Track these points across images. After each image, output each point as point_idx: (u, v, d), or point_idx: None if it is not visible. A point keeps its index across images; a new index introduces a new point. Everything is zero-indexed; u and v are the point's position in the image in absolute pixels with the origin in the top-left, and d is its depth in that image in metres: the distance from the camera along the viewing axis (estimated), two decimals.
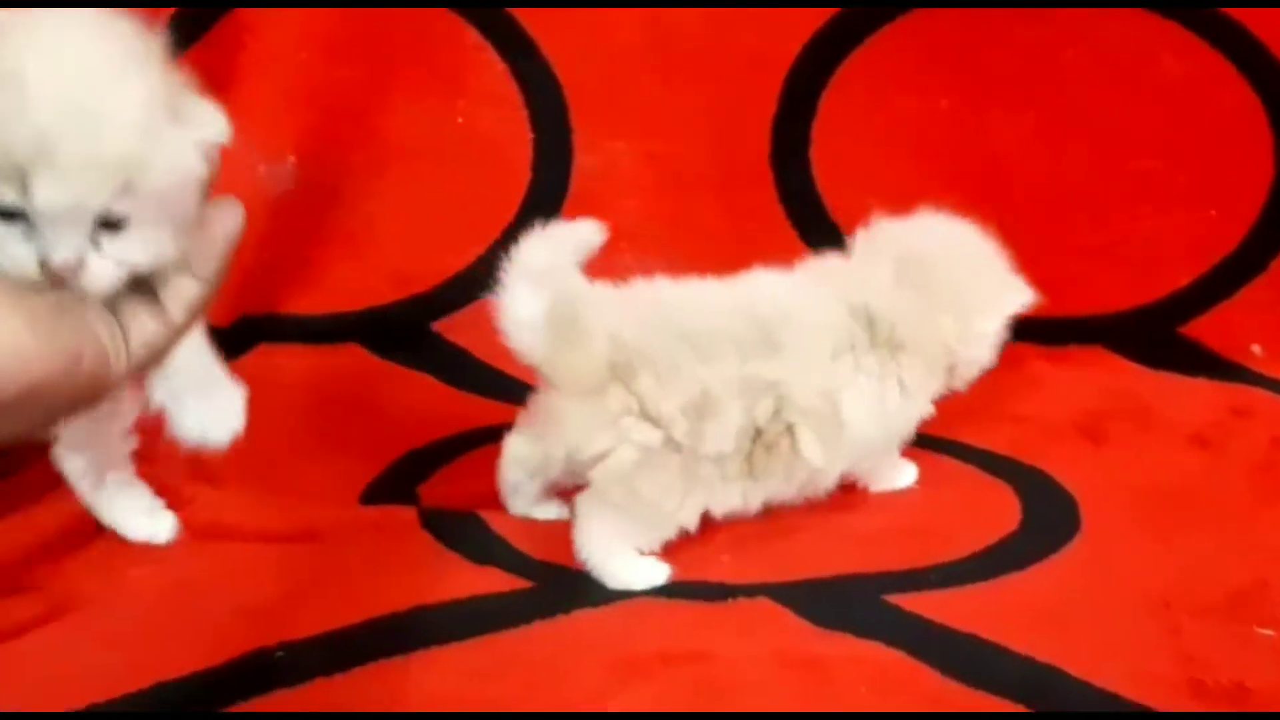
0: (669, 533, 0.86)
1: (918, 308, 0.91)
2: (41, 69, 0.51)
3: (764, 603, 0.82)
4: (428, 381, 1.18)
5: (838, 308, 0.89)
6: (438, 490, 0.98)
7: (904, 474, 0.99)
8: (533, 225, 0.85)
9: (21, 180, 0.51)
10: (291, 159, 1.18)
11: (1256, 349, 1.18)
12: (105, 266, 0.53)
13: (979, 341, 0.94)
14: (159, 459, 0.92)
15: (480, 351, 1.20)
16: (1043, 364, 1.19)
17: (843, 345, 0.89)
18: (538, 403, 0.86)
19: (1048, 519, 0.94)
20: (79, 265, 0.52)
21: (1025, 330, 1.21)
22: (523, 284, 0.82)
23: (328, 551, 0.89)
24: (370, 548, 0.89)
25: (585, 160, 1.22)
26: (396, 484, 0.99)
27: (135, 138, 0.53)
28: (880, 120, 1.20)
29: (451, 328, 1.23)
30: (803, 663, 0.76)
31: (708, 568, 0.87)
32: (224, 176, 1.15)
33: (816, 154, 1.20)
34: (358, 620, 0.79)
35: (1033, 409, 1.12)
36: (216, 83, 1.14)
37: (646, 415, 0.81)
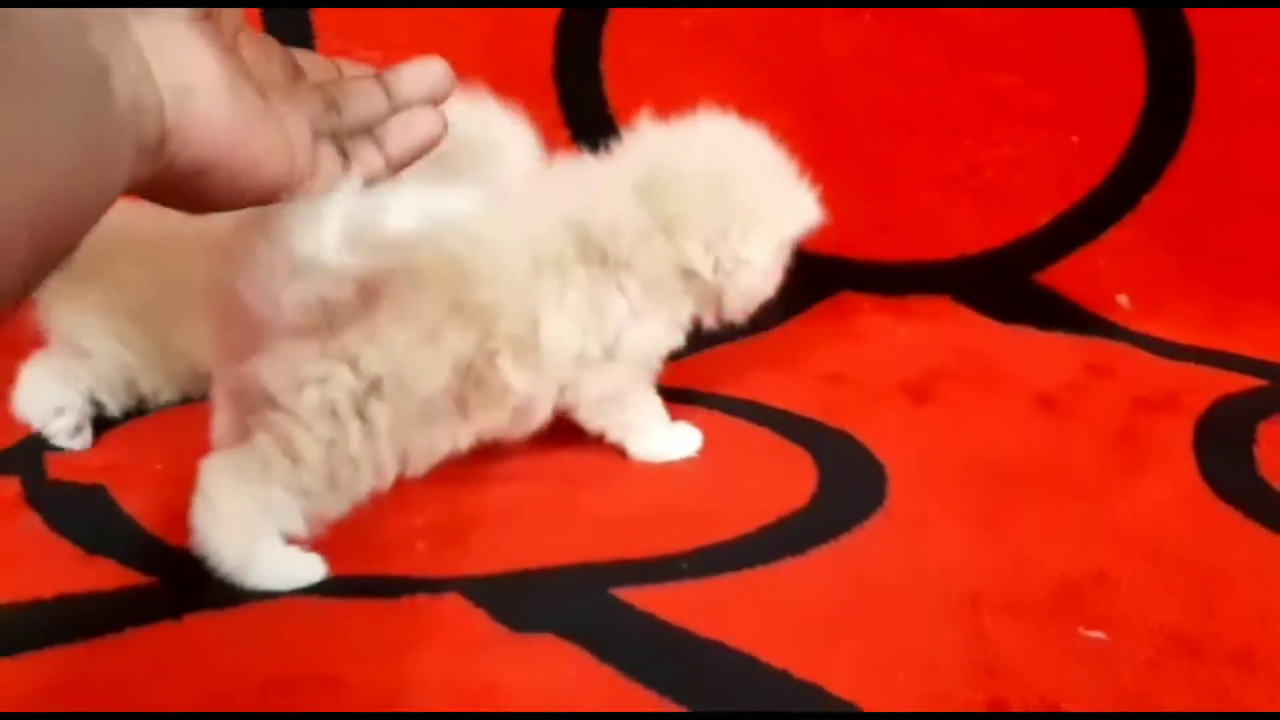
0: (345, 502, 0.67)
1: (638, 227, 0.75)
2: None
3: (451, 599, 0.62)
4: None
5: (541, 220, 0.73)
6: (76, 462, 0.77)
7: (678, 441, 0.80)
8: None
9: None
10: None
11: (1122, 300, 1.01)
12: None
13: (743, 270, 0.77)
14: None
15: None
16: (875, 317, 1.02)
17: (544, 260, 0.72)
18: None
19: (845, 494, 0.75)
20: None
21: (857, 276, 1.04)
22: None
23: None
24: None
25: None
26: (30, 455, 0.78)
27: None
28: (688, 25, 1.00)
29: None
30: (466, 688, 0.56)
31: (396, 558, 0.67)
32: None
33: (607, 64, 1.01)
34: None
35: (855, 367, 0.94)
36: None
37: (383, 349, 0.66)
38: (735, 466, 0.79)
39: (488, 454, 0.77)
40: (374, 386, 0.66)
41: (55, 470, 0.76)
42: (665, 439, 0.80)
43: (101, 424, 0.83)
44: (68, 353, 0.83)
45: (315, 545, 0.67)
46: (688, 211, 0.75)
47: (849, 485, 0.76)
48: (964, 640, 0.60)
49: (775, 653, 0.59)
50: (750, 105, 1.00)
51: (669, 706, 0.55)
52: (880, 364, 0.94)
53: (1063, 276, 1.02)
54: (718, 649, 0.59)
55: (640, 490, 0.76)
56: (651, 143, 0.78)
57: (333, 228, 0.59)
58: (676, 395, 0.85)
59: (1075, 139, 1.01)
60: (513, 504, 0.73)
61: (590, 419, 0.78)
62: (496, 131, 0.76)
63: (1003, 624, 0.62)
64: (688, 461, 0.80)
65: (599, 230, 0.74)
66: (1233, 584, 0.66)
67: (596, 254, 0.74)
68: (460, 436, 0.72)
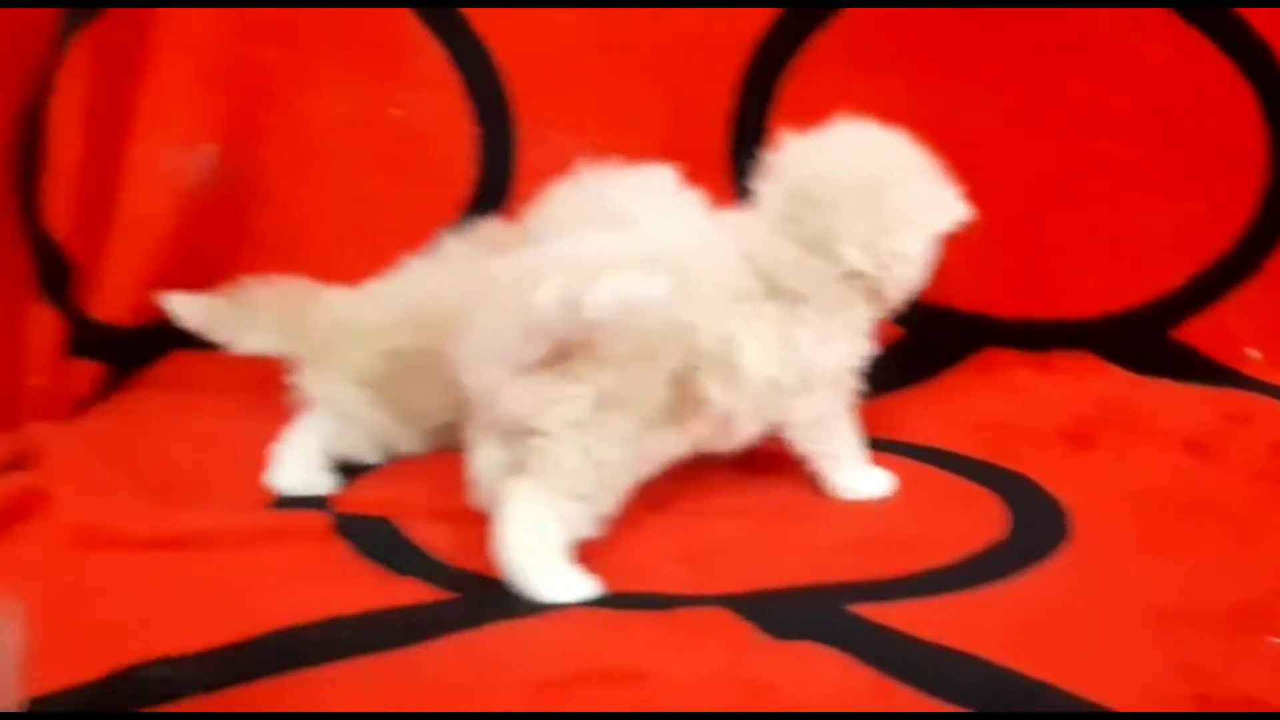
0: (611, 503, 0.78)
1: (794, 256, 0.84)
2: None
3: (715, 612, 0.72)
4: None
5: (732, 256, 0.84)
6: (354, 498, 0.88)
7: (874, 479, 0.90)
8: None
9: None
10: (210, 148, 1.09)
11: (1253, 353, 1.10)
12: None
13: (900, 263, 0.86)
14: None
15: None
16: (1024, 371, 1.11)
17: (739, 292, 0.83)
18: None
19: (1036, 527, 0.85)
20: None
21: (1003, 334, 1.14)
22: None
23: (224, 560, 0.79)
24: (275, 556, 0.79)
25: (530, 156, 1.13)
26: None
27: None
28: (843, 107, 1.11)
29: None
30: (750, 685, 0.66)
31: (655, 578, 0.78)
32: (135, 165, 1.09)
33: None
34: (255, 633, 0.69)
35: (1013, 416, 1.04)
36: (125, 60, 1.07)
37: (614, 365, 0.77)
38: (928, 503, 0.89)
39: (708, 493, 0.88)
40: (603, 399, 0.76)
41: (340, 506, 0.87)
42: (864, 475, 0.90)
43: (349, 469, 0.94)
44: (325, 417, 0.94)
45: (586, 564, 0.78)
46: (840, 220, 0.83)
47: (1038, 520, 0.85)
48: (1164, 647, 0.70)
49: (1005, 657, 0.68)
50: None
51: (932, 703, 0.64)
52: (1034, 412, 1.03)
53: (1196, 332, 1.10)
54: (953, 653, 0.68)
55: (847, 523, 0.86)
56: (796, 158, 0.87)
57: (551, 292, 0.70)
58: None
59: (1200, 206, 1.11)
60: (742, 534, 0.84)
61: (797, 442, 0.88)
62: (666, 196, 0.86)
63: (1195, 634, 0.71)
64: (883, 499, 0.90)
65: (768, 266, 0.83)
66: None
67: (776, 290, 0.83)
68: (679, 444, 0.81)
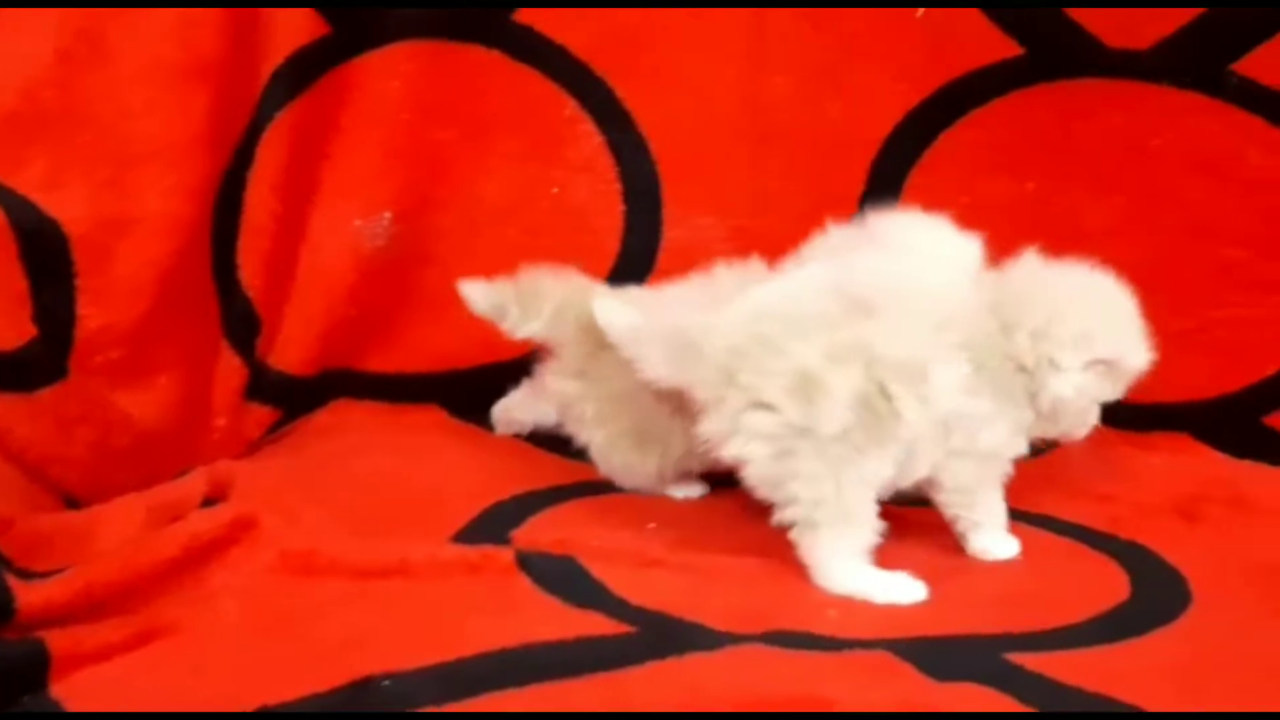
0: (865, 531, 0.89)
1: (988, 330, 0.93)
2: None
3: (882, 655, 0.80)
4: (508, 441, 1.18)
5: (956, 300, 0.93)
6: (531, 536, 0.96)
7: (1007, 545, 0.97)
8: None
9: None
10: (388, 215, 1.20)
11: None
12: None
13: (1057, 375, 0.93)
14: None
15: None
16: (1129, 449, 1.18)
17: (945, 324, 0.90)
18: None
19: (1158, 591, 0.92)
20: None
21: (1109, 415, 1.21)
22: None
23: (422, 589, 0.87)
24: (466, 586, 0.87)
25: (674, 234, 1.23)
26: (486, 531, 0.97)
27: None
28: (966, 201, 1.20)
29: None
30: (930, 711, 0.73)
31: (814, 621, 0.85)
32: (320, 228, 1.20)
33: None
34: (466, 654, 0.77)
35: (1123, 490, 1.11)
36: (318, 136, 1.18)
37: (759, 405, 0.86)
38: (1057, 567, 0.96)
39: None
40: (778, 448, 0.87)
41: (519, 542, 0.94)
42: (1000, 542, 0.97)
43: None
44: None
45: (747, 605, 0.85)
46: (1023, 310, 0.93)
47: (1159, 585, 0.92)
48: None
49: (1154, 704, 0.75)
50: None
51: None
52: (1144, 488, 1.10)
53: None
54: (1106, 700, 0.75)
55: (986, 581, 0.93)
56: (1024, 267, 0.98)
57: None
58: None
59: None
60: None
61: (944, 505, 0.96)
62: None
63: None
64: (1016, 561, 0.97)
65: (967, 327, 0.92)
66: None
67: (969, 353, 0.92)
68: (884, 470, 0.89)
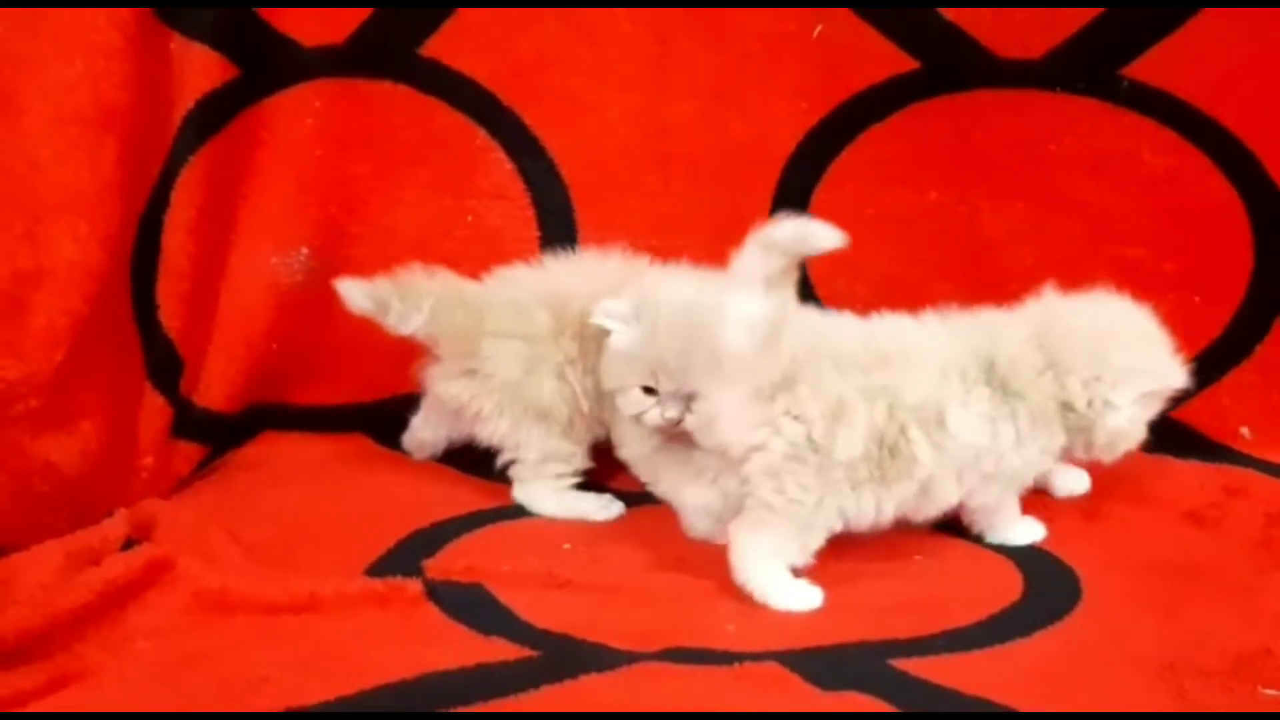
0: (815, 538, 0.95)
1: (1034, 364, 0.99)
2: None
3: (771, 666, 0.83)
4: (432, 467, 1.20)
5: (953, 342, 0.99)
6: (443, 565, 0.98)
7: (1027, 530, 1.04)
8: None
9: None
10: (305, 250, 1.22)
11: (1245, 432, 1.20)
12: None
13: (1110, 412, 0.99)
14: None
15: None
16: None
17: (951, 369, 0.97)
18: (699, 414, 0.98)
19: (1049, 591, 0.95)
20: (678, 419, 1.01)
21: None
22: (755, 289, 0.91)
23: (331, 623, 0.90)
24: (373, 619, 0.90)
25: None
26: (401, 561, 0.99)
27: None
28: (871, 213, 1.24)
29: None
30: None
31: (712, 636, 0.88)
32: (238, 267, 1.22)
33: None
34: (368, 687, 0.80)
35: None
36: (232, 177, 1.21)
37: (796, 417, 0.93)
38: (953, 569, 0.99)
39: None
40: (794, 451, 0.92)
41: (431, 571, 0.97)
42: (1017, 529, 1.03)
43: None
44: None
45: (648, 623, 0.88)
46: (1074, 355, 0.99)
47: (1051, 584, 0.96)
48: (1171, 696, 0.80)
49: (1029, 705, 0.78)
50: (924, 276, 1.24)
51: None
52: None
53: (1194, 413, 1.21)
54: (982, 702, 0.78)
55: (883, 586, 0.96)
56: (1052, 303, 1.03)
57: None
58: None
59: (1197, 299, 1.22)
60: None
61: (964, 515, 1.02)
62: None
63: (1197, 685, 0.81)
64: (913, 564, 1.00)
65: (1002, 362, 0.98)
66: None
67: (998, 381, 0.98)
68: (884, 505, 0.95)
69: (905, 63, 1.21)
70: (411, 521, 1.06)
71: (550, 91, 1.23)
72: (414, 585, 0.93)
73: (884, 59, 1.21)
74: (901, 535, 1.01)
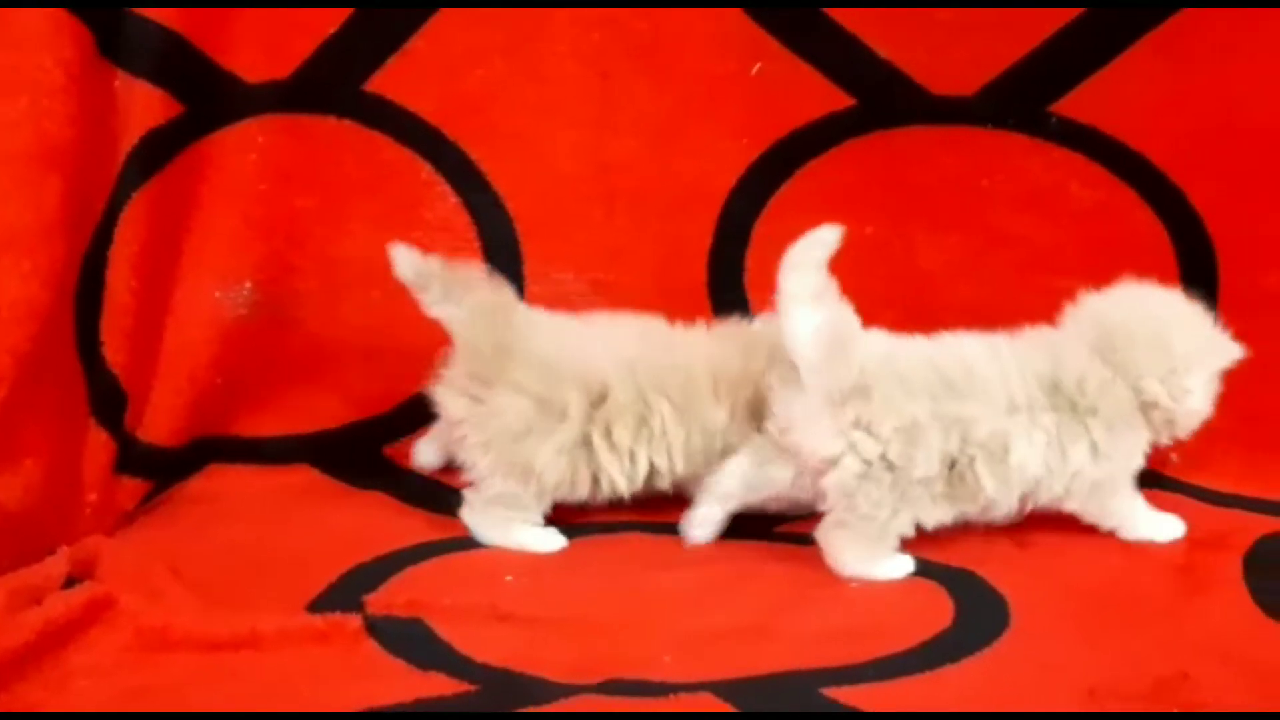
0: (893, 541, 1.03)
1: (1100, 378, 1.04)
2: None
3: (705, 697, 0.84)
4: (378, 499, 1.21)
5: (1019, 373, 1.04)
6: (385, 600, 0.99)
7: (1167, 527, 1.10)
8: None
9: None
10: (248, 284, 1.23)
11: (1174, 457, 1.23)
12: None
13: (1189, 397, 1.05)
14: None
15: (431, 472, 1.24)
16: None
17: (1018, 399, 1.03)
18: (777, 416, 1.04)
19: (979, 617, 0.97)
20: None
21: None
22: (805, 305, 1.00)
23: (272, 660, 0.90)
24: (314, 656, 0.91)
25: (535, 288, 1.27)
26: (344, 596, 1.00)
27: None
28: None
29: (403, 452, 1.27)
30: None
31: (649, 668, 0.89)
32: (182, 302, 1.22)
33: (750, 281, 1.27)
34: None
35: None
36: (176, 212, 1.21)
37: (870, 432, 0.99)
38: (886, 596, 1.01)
39: (703, 588, 1.01)
40: (868, 471, 0.99)
41: (372, 606, 0.98)
42: (1155, 525, 1.10)
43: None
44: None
45: (587, 655, 0.89)
46: (1142, 358, 1.04)
47: (981, 611, 0.98)
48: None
49: None
50: (863, 308, 1.26)
51: None
52: None
53: None
54: None
55: (818, 615, 0.98)
56: (1096, 309, 1.08)
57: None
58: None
59: None
60: (730, 626, 0.96)
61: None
62: None
63: (1118, 707, 0.84)
64: (848, 591, 1.02)
65: (1068, 384, 1.03)
66: None
67: (1065, 403, 1.03)
68: (944, 517, 1.03)
69: (842, 100, 1.25)
70: (356, 555, 1.07)
71: (495, 127, 1.26)
72: (354, 621, 0.94)
73: (822, 96, 1.25)
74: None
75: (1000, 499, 1.04)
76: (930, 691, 0.86)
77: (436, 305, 1.11)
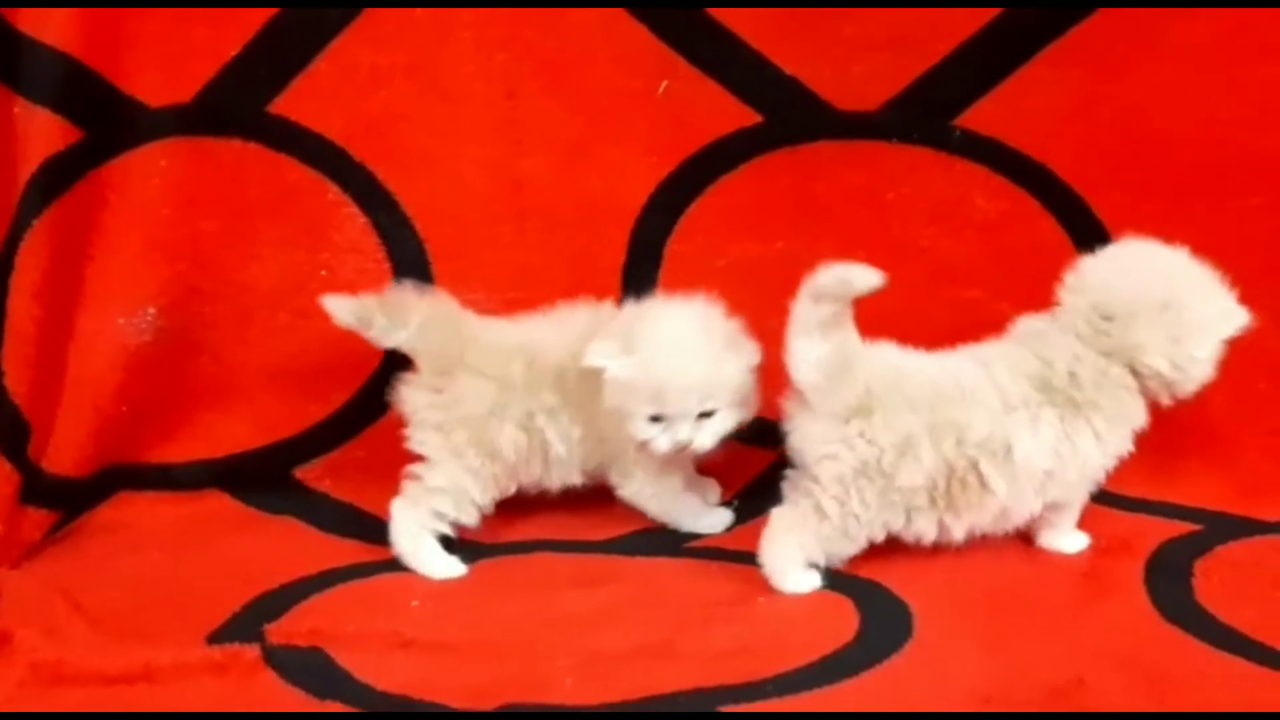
0: (851, 548, 1.04)
1: (1094, 367, 1.03)
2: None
3: None
4: (289, 524, 1.20)
5: (1009, 375, 1.05)
6: (286, 629, 0.98)
7: (1074, 540, 1.10)
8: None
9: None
10: (152, 310, 1.21)
11: None
12: (705, 438, 1.08)
13: (1195, 365, 1.03)
14: None
15: (342, 495, 1.23)
16: None
17: (1013, 400, 1.04)
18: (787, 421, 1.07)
19: (883, 629, 0.98)
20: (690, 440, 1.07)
21: None
22: (809, 337, 1.02)
23: (168, 693, 0.89)
24: (210, 688, 0.90)
25: None
26: (247, 625, 0.99)
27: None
28: (721, 264, 1.27)
29: (315, 474, 1.26)
30: None
31: (550, 690, 0.89)
32: (86, 329, 1.21)
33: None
34: None
35: None
36: (78, 238, 1.20)
37: (871, 442, 1.02)
38: (792, 612, 1.02)
39: (605, 608, 1.01)
40: (864, 469, 1.01)
41: (273, 635, 0.97)
42: (1068, 539, 1.10)
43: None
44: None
45: (487, 679, 0.89)
46: (1142, 332, 1.02)
47: (885, 622, 0.99)
48: None
49: None
50: (775, 325, 1.27)
51: None
52: None
53: None
54: None
55: (722, 632, 0.98)
56: (1093, 278, 1.05)
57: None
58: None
59: None
60: (631, 646, 0.96)
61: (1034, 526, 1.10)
62: None
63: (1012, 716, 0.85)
64: (754, 606, 1.02)
65: (1059, 380, 1.03)
66: (1180, 685, 0.89)
67: (1063, 399, 1.03)
68: (953, 529, 1.04)
69: (749, 116, 1.25)
70: (261, 583, 1.06)
71: (402, 147, 1.25)
72: (252, 651, 0.93)
73: (729, 113, 1.25)
74: (747, 577, 1.05)
75: (1014, 501, 1.04)
76: (827, 705, 0.87)
77: (386, 336, 1.14)
